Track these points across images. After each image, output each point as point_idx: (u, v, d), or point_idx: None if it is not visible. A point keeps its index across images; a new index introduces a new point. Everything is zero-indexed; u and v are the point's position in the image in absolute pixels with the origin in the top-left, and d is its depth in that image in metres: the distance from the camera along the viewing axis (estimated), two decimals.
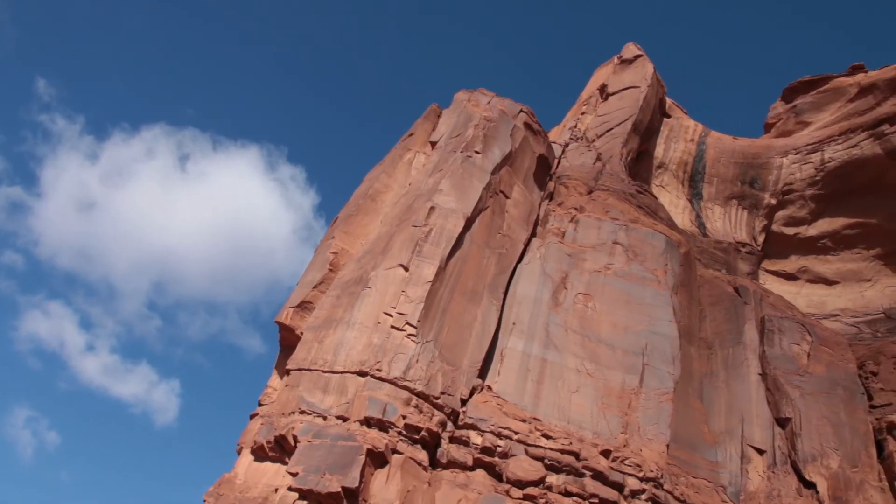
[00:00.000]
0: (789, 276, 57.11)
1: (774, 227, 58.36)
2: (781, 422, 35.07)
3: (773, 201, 58.34)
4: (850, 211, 57.51)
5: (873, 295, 54.28)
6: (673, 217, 52.02)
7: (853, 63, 63.84)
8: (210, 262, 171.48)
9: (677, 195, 57.81)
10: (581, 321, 34.08)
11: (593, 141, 53.29)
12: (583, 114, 60.67)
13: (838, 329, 49.09)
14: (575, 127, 57.31)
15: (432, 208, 33.15)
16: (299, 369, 28.94)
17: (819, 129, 61.03)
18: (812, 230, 57.95)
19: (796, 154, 59.16)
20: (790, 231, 58.22)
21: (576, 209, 40.24)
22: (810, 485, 32.33)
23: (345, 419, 26.47)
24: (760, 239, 57.39)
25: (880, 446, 34.42)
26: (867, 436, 34.77)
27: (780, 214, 58.56)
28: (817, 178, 57.94)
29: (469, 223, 33.61)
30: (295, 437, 26.00)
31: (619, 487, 27.29)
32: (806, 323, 41.47)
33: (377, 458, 25.09)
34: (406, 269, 30.67)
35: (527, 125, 40.75)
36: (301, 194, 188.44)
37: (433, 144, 40.85)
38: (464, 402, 28.75)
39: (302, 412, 27.07)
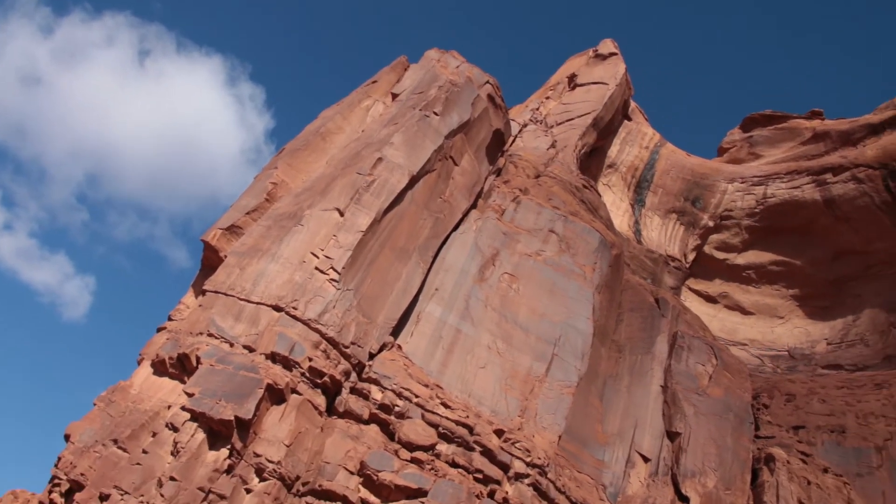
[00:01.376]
0: (709, 298, 58.56)
1: (706, 249, 59.63)
2: (671, 435, 36.03)
3: (711, 223, 59.53)
4: (779, 248, 59.11)
5: (782, 332, 56.06)
6: (613, 218, 52.66)
7: (814, 108, 65.35)
8: (150, 165, 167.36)
9: (621, 197, 58.55)
10: (502, 300, 34.39)
11: (552, 127, 53.45)
12: (547, 98, 60.74)
13: (743, 358, 50.62)
14: (537, 109, 57.36)
15: (380, 159, 32.90)
16: (216, 292, 28.56)
17: (768, 164, 62.35)
18: (740, 259, 59.42)
19: (742, 183, 60.37)
20: (720, 255, 59.59)
21: (520, 190, 40.40)
22: (685, 499, 33.33)
23: (251, 350, 26.27)
24: (690, 257, 58.59)
25: (756, 474, 35.69)
26: (746, 462, 36.02)
27: (714, 237, 59.85)
28: (756, 210, 59.31)
29: (413, 182, 33.47)
30: (198, 359, 25.71)
31: (504, 468, 27.67)
32: (714, 346, 42.60)
33: (275, 395, 25.01)
34: (341, 214, 30.43)
35: (490, 97, 40.63)
36: (257, 115, 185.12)
37: (394, 96, 40.44)
38: (371, 357, 28.79)
39: (210, 335, 26.76)
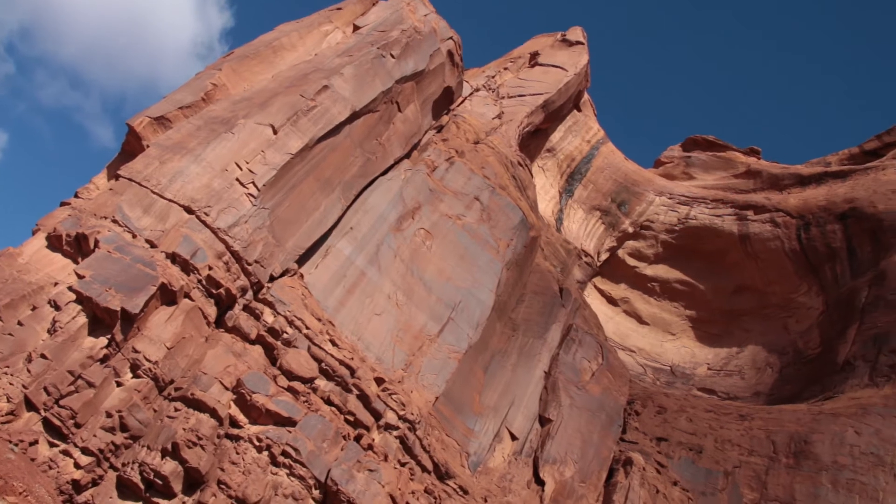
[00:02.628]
0: (611, 300, 60.04)
1: (619, 252, 60.98)
2: (543, 420, 36.98)
3: (631, 230, 60.81)
4: (688, 269, 60.94)
5: (670, 348, 57.98)
6: (539, 201, 53.32)
7: (753, 146, 67.41)
8: (93, 32, 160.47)
9: (552, 183, 59.20)
10: (413, 254, 34.56)
11: (502, 98, 53.53)
12: (505, 69, 60.71)
13: (628, 363, 52.23)
14: (493, 77, 57.33)
15: (326, 87, 32.46)
16: (130, 179, 27.82)
17: (698, 187, 63.94)
18: (649, 270, 61.00)
19: (670, 199, 61.75)
20: (631, 262, 61.03)
21: (456, 152, 40.48)
22: (541, 482, 34.32)
23: (153, 246, 25.79)
24: (603, 256, 59.85)
25: (612, 473, 37.04)
26: (606, 461, 37.31)
27: (630, 243, 61.20)
28: (676, 227, 60.84)
29: (353, 117, 33.17)
30: (97, 242, 25.08)
31: (377, 415, 27.97)
32: (604, 346, 43.79)
33: (168, 296, 24.66)
34: (275, 132, 29.98)
35: (450, 54, 40.43)
36: (217, 11, 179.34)
37: (356, 28, 39.81)
38: (272, 279, 28.62)
39: (114, 221, 26.12)
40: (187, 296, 25.23)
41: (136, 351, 23.05)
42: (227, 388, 24.07)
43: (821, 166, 63.65)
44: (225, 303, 26.67)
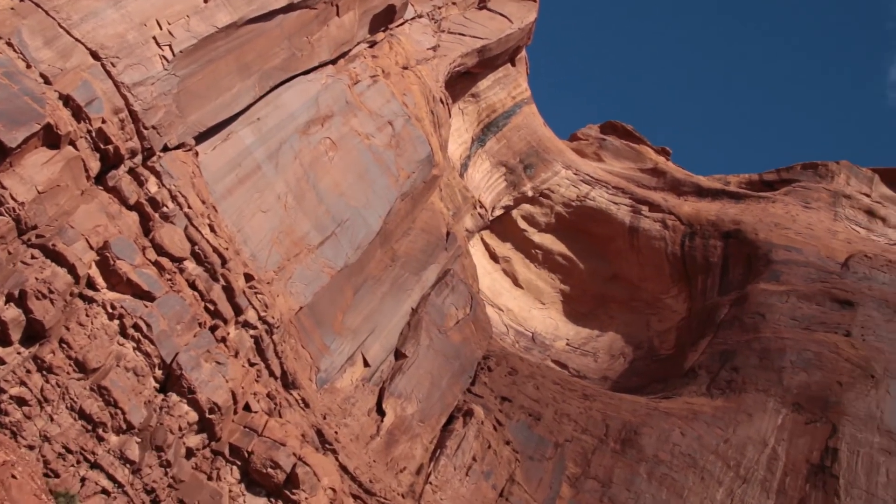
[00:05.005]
0: (493, 256, 61.03)
1: (513, 213, 61.85)
2: (399, 354, 37.50)
3: (530, 194, 61.67)
4: (573, 246, 62.55)
5: (537, 316, 59.61)
6: (450, 142, 53.17)
7: (665, 147, 69.46)
8: None
9: (467, 128, 59.08)
10: (313, 161, 33.92)
11: (443, 32, 52.80)
12: (454, 3, 59.76)
13: (494, 320, 53.40)
14: (439, 8, 56.31)
15: None
16: (38, 5, 25.86)
17: (604, 171, 65.33)
18: (537, 237, 62.22)
19: (575, 175, 62.86)
20: (522, 225, 62.05)
21: (383, 72, 39.80)
22: (382, 412, 34.89)
23: (47, 82, 24.18)
24: (497, 213, 60.56)
25: (451, 420, 38.11)
26: (449, 407, 38.33)
27: (525, 207, 62.13)
28: (573, 204, 62.13)
29: (290, 8, 31.91)
30: None
31: (238, 311, 27.45)
32: (475, 298, 44.58)
33: (51, 138, 23.21)
34: (205, 1, 28.60)
35: None
36: None
37: None
38: (165, 150, 27.44)
39: (9, 44, 24.27)
40: (72, 143, 23.87)
41: (3, 187, 21.72)
42: (91, 248, 23.08)
43: (720, 184, 66.22)
44: (111, 161, 25.38)
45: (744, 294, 51.38)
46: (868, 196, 65.47)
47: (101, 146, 24.71)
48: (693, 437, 40.05)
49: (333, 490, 25.82)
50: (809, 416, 40.89)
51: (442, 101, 45.83)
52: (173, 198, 26.53)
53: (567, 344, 58.28)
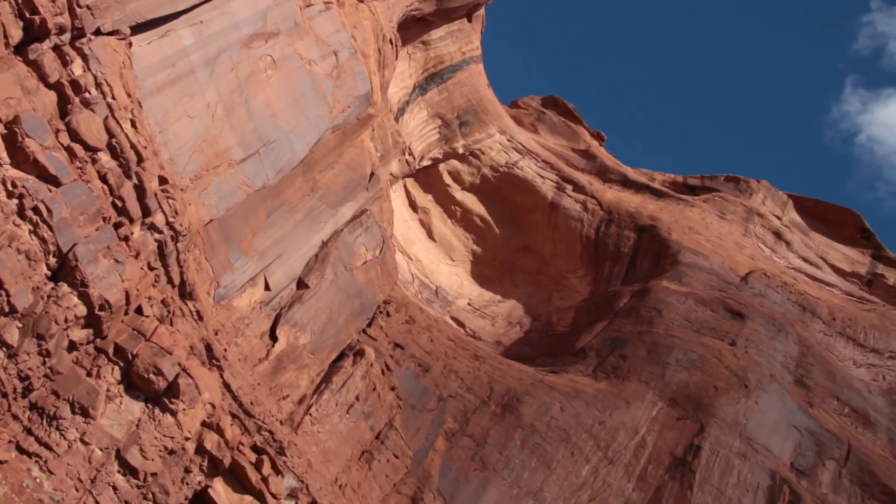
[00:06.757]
0: (413, 205, 61.09)
1: (440, 167, 61.95)
2: (301, 284, 37.37)
3: (461, 151, 61.78)
4: (493, 210, 63.18)
5: (445, 271, 60.16)
6: (392, 84, 52.71)
7: (601, 132, 70.64)
8: None
9: (411, 74, 58.57)
10: (250, 76, 33.13)
11: None
12: None
13: (402, 268, 53.68)
14: None
15: None
16: None
17: (537, 143, 65.89)
18: (459, 195, 62.53)
19: (509, 141, 63.25)
20: (447, 180, 62.22)
21: (337, 1, 39.00)
22: (275, 338, 34.82)
23: None
24: (424, 163, 60.52)
25: (341, 357, 38.38)
26: (341, 344, 38.66)
27: (453, 163, 62.27)
28: (500, 169, 62.60)
29: None
30: None
31: (146, 212, 26.55)
32: (387, 242, 44.68)
33: None
34: None
35: None
36: None
37: None
38: (98, 34, 26.29)
39: None
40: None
41: None
42: (0, 119, 22.08)
43: (646, 178, 67.81)
44: (35, 33, 24.04)
45: (646, 288, 52.97)
46: (779, 219, 68.15)
47: (27, 15, 23.41)
48: (571, 413, 41.35)
49: (213, 406, 25.73)
50: (682, 412, 42.71)
51: (391, 42, 45.25)
52: (98, 85, 25.48)
53: (468, 304, 59.05)
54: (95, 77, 25.48)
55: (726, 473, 40.25)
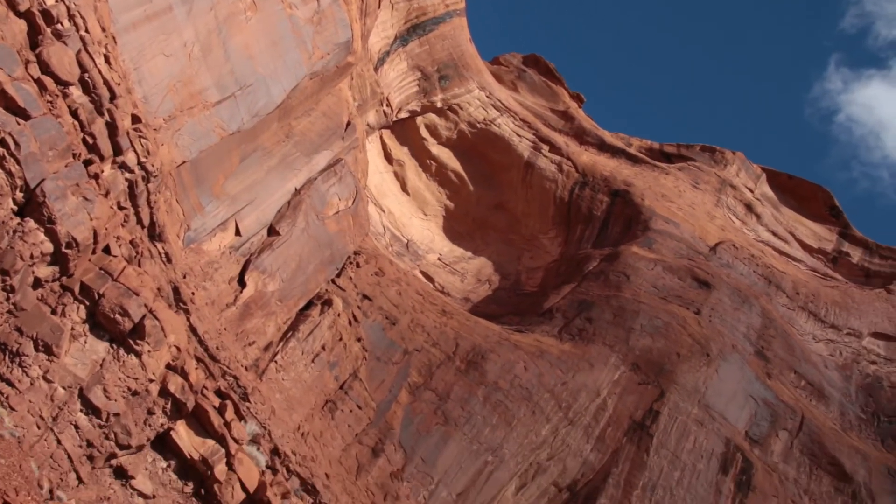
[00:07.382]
0: (388, 157, 60.70)
1: (418, 119, 61.43)
2: (272, 231, 37.10)
3: (439, 105, 61.26)
4: (468, 166, 63.01)
5: (416, 224, 60.09)
6: (373, 34, 51.96)
7: (580, 93, 70.48)
8: None
9: (393, 24, 57.72)
10: (228, 17, 32.43)
11: None
12: None
13: (374, 219, 53.53)
14: None
15: None
16: None
17: (516, 102, 65.55)
18: (435, 149, 62.18)
19: (488, 98, 62.83)
20: (423, 133, 61.79)
21: None
22: (243, 284, 34.62)
23: None
24: (402, 115, 59.98)
25: (309, 305, 38.32)
26: (309, 293, 38.58)
27: (431, 117, 61.77)
28: (477, 126, 62.25)
29: None
30: None
31: (117, 151, 25.90)
32: (361, 193, 44.43)
33: None
34: None
35: None
36: None
37: None
38: None
39: None
40: None
41: None
42: None
43: (623, 143, 67.95)
44: None
45: (616, 252, 53.36)
46: (752, 191, 68.82)
47: None
48: (535, 373, 41.80)
49: (178, 349, 25.61)
50: (644, 377, 43.37)
51: None
52: (71, 17, 24.78)
53: (439, 258, 59.13)
54: (69, 8, 24.75)
55: (683, 439, 41.08)
